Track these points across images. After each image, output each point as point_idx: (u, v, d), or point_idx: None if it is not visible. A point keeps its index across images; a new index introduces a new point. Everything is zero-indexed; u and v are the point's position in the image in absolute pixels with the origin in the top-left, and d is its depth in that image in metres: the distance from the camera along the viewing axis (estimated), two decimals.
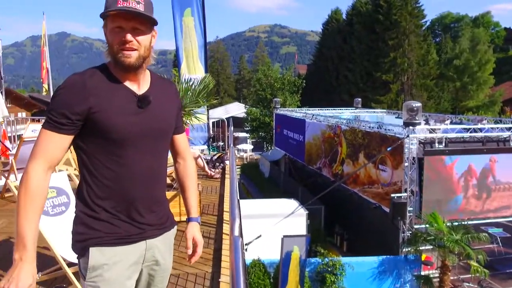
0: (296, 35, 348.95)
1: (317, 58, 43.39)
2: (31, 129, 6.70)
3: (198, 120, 7.93)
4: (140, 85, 1.39)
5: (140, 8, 1.28)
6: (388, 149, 9.49)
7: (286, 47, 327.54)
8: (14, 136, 10.06)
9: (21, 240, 1.19)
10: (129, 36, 1.28)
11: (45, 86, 13.92)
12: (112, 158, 1.32)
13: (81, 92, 1.27)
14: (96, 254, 1.29)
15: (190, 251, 1.53)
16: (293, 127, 17.33)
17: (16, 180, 5.09)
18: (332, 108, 19.95)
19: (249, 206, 9.66)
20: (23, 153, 5.07)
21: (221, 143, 12.11)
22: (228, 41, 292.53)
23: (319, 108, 19.69)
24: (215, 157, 7.59)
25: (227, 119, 9.92)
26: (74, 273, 2.65)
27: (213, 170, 6.81)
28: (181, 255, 3.50)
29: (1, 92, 6.91)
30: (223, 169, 7.07)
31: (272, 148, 22.11)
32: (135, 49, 1.29)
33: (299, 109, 21.43)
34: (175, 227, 1.58)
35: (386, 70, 31.38)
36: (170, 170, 5.78)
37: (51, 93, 13.53)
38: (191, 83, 4.21)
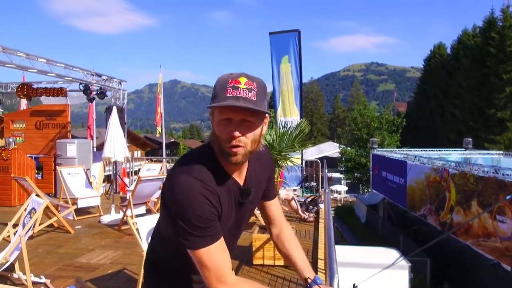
0: (395, 72, 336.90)
1: (419, 95, 40.94)
2: (146, 169, 7.57)
3: (292, 162, 8.07)
4: (242, 172, 1.30)
5: (252, 96, 1.14)
6: (508, 197, 8.32)
7: (383, 84, 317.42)
8: (131, 172, 11.44)
9: None
10: (237, 133, 1.15)
11: (159, 129, 15.50)
12: None
13: (209, 197, 1.17)
14: None
15: None
16: (393, 169, 16.32)
17: (132, 214, 5.74)
18: (438, 149, 18.39)
19: (344, 253, 9.21)
20: (140, 191, 5.71)
21: (313, 184, 11.98)
22: (322, 81, 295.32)
23: (422, 149, 18.33)
24: (308, 199, 7.53)
25: (321, 159, 9.85)
26: None
27: (306, 213, 6.74)
28: None
29: (124, 135, 7.95)
30: (317, 213, 6.95)
31: (369, 190, 21.04)
32: (242, 146, 1.17)
33: (399, 149, 20.25)
34: None
35: (501, 107, 28.10)
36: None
37: (163, 136, 15.16)
38: (287, 127, 4.34)
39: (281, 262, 4.37)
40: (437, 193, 12.22)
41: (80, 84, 8.98)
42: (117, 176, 9.26)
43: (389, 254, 9.50)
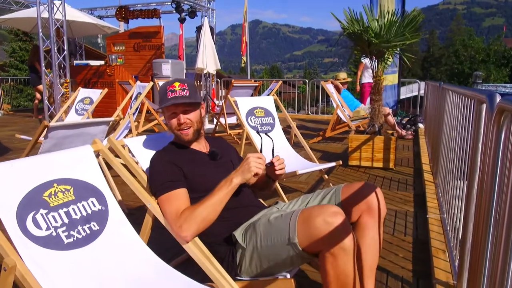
0: (506, 4, 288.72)
1: None
2: (234, 84, 7.61)
3: (386, 79, 7.41)
4: (201, 145, 1.71)
5: (186, 93, 1.57)
6: None
7: (490, 19, 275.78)
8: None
9: (222, 187, 1.45)
10: (182, 118, 1.58)
11: (244, 58, 15.36)
12: None
13: (163, 161, 1.59)
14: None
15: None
16: None
17: (226, 123, 5.88)
18: None
19: None
20: (232, 96, 5.76)
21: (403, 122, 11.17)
22: None
23: None
24: (404, 121, 7.01)
25: (414, 97, 8.96)
26: (278, 181, 2.79)
27: (404, 131, 6.28)
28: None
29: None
30: (416, 131, 6.44)
31: None
32: (191, 126, 1.60)
33: (509, 84, 17.73)
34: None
35: None
36: (358, 122, 5.59)
37: (248, 65, 15.12)
38: (396, 17, 3.83)
39: (379, 164, 4.13)
40: None
41: (173, 2, 9.10)
42: (208, 96, 9.54)
43: None
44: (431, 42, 70.96)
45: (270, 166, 1.57)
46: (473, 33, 24.90)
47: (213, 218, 1.42)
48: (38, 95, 8.44)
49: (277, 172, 1.57)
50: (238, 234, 1.47)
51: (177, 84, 1.59)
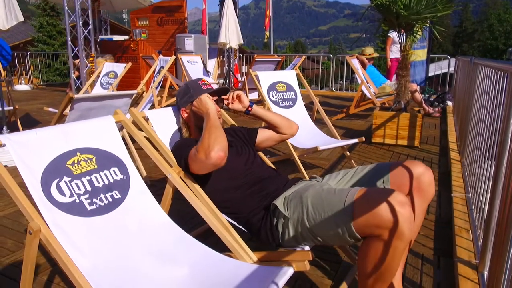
0: None
1: None
2: (257, 58, 7.53)
3: (414, 54, 7.14)
4: None
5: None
6: None
7: None
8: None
9: (207, 122, 1.54)
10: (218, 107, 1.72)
11: (267, 33, 15.03)
12: None
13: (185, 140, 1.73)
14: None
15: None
16: None
17: (247, 96, 5.82)
18: None
19: None
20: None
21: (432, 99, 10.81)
22: None
23: None
24: (432, 97, 6.78)
25: (444, 74, 8.59)
26: (298, 156, 2.78)
27: (431, 108, 6.09)
28: None
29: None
30: (443, 109, 6.23)
31: None
32: (220, 117, 1.68)
33: None
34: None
35: None
36: (383, 99, 5.44)
37: (272, 40, 14.86)
38: None
39: (404, 142, 4.03)
40: None
41: None
42: (230, 72, 9.48)
43: None
44: (464, 16, 67.34)
45: (220, 101, 1.76)
46: (509, 7, 23.42)
47: (223, 137, 1.43)
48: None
49: (231, 96, 1.76)
50: (279, 203, 1.42)
51: (204, 80, 1.77)
